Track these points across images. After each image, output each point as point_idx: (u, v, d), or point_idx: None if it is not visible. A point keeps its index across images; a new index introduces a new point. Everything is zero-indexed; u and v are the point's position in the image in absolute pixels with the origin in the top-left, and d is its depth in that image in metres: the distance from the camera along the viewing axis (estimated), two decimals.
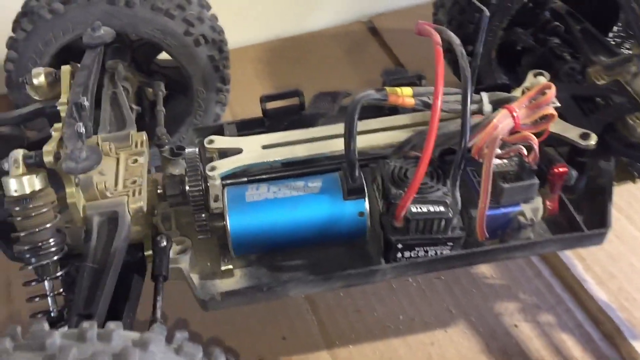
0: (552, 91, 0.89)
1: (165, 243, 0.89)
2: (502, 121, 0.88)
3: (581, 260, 1.24)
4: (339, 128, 0.89)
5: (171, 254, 0.90)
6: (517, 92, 1.00)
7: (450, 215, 0.85)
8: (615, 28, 1.22)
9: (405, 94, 0.91)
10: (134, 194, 0.89)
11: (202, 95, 1.21)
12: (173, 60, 1.21)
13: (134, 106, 1.21)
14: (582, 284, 1.21)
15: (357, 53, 1.62)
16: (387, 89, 0.90)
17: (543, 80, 0.99)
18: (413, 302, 1.19)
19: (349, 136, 0.86)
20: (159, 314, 0.83)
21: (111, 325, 0.61)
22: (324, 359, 1.12)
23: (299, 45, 1.65)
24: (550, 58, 1.25)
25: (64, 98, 0.94)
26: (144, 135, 0.97)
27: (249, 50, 1.63)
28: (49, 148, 0.82)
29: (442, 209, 0.85)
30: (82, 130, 0.83)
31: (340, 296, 1.21)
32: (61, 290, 0.88)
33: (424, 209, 0.85)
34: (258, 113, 1.05)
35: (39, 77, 0.99)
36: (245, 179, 0.95)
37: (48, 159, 0.81)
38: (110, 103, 1.06)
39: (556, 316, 1.17)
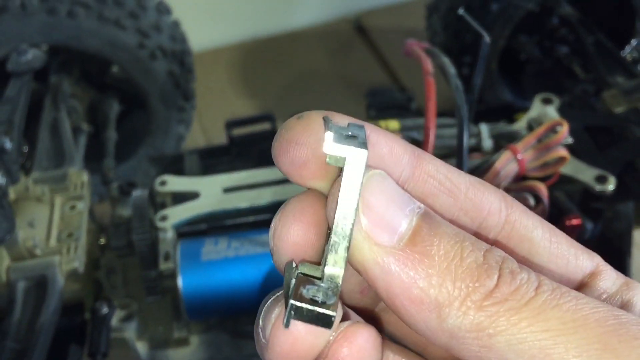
0: (564, 130, 0.76)
1: (105, 310, 0.75)
2: (505, 166, 0.75)
3: None
4: None
5: (114, 321, 0.77)
6: (521, 122, 0.87)
7: None
8: (633, 41, 1.08)
9: (390, 129, 0.79)
10: (68, 251, 0.75)
11: (162, 114, 1.06)
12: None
13: (84, 126, 1.07)
14: None
15: (343, 56, 1.46)
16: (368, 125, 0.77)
17: (552, 110, 0.85)
18: None
19: None
20: None
21: None
22: None
23: (278, 47, 1.49)
24: (557, 71, 1.10)
25: None
26: (84, 176, 0.83)
27: (221, 52, 1.47)
28: None
29: None
30: (2, 181, 0.70)
31: None
32: None
33: None
34: None
35: None
36: (205, 226, 0.82)
37: None
38: (50, 131, 0.92)
39: None
